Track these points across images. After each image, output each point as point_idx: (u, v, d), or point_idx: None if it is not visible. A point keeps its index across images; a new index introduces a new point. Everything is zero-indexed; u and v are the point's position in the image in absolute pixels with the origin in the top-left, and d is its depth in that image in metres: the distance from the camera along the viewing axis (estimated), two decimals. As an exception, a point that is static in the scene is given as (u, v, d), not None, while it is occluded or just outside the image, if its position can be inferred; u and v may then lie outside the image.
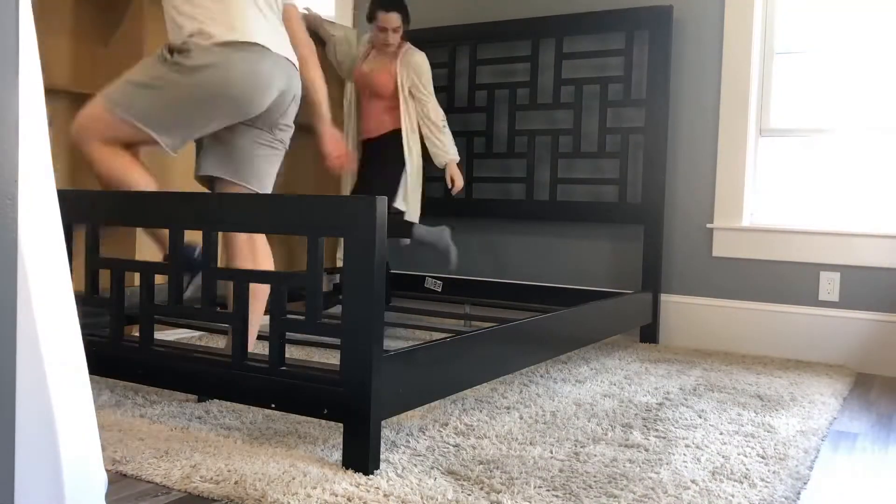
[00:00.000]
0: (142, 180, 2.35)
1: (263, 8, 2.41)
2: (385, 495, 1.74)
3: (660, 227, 3.76)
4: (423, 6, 4.39)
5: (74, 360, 1.31)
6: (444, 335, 2.67)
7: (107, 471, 1.86)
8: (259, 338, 2.60)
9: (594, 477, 1.90)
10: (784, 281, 3.60)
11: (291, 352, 3.02)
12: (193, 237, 2.25)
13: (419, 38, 4.30)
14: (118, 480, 1.81)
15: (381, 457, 1.96)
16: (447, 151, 3.76)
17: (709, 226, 3.73)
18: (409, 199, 3.76)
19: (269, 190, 2.53)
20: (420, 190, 3.83)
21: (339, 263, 3.92)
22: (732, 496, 1.81)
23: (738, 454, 2.11)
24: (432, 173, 4.33)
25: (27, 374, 1.20)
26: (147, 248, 3.04)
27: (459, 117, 4.28)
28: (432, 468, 1.93)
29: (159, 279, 2.30)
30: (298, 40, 2.55)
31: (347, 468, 1.89)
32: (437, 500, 1.72)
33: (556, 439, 2.19)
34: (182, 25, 2.32)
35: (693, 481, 1.89)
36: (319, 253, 1.94)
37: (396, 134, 3.74)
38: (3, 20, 1.01)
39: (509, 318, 2.71)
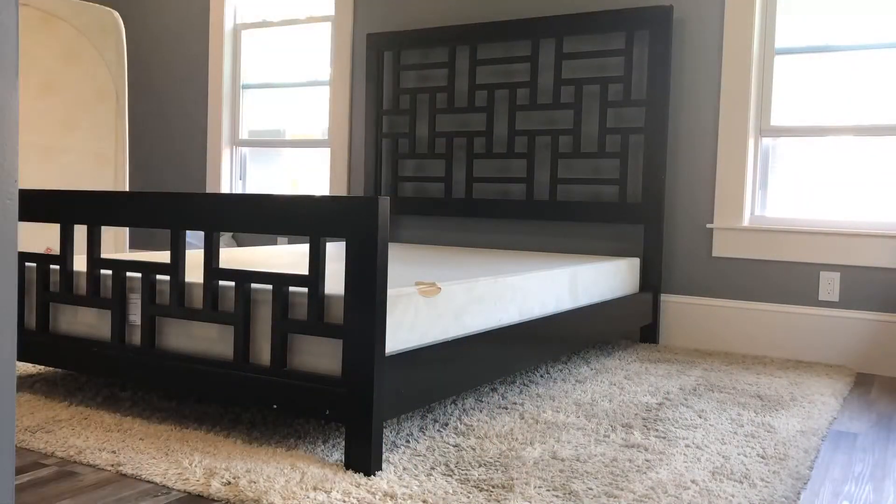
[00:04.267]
0: None
1: None
2: (385, 495, 1.74)
3: (660, 227, 3.76)
4: (424, 6, 4.39)
5: None
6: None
7: (107, 470, 1.86)
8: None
9: (594, 477, 1.90)
10: (784, 281, 3.60)
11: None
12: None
13: (420, 38, 4.30)
14: (118, 480, 1.81)
15: (382, 457, 1.96)
16: None
17: (709, 226, 3.73)
18: None
19: None
20: None
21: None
22: (732, 496, 1.81)
23: (738, 454, 2.11)
24: (433, 173, 4.34)
25: None
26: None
27: (459, 117, 4.28)
28: (433, 468, 1.93)
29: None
30: None
31: (349, 469, 1.89)
32: (437, 500, 1.72)
33: (556, 439, 2.19)
34: None
35: (693, 481, 1.89)
36: (321, 253, 1.94)
37: None
38: (2, 20, 1.01)
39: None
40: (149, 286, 2.24)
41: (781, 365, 3.39)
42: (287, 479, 1.81)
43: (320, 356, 1.98)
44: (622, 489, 1.83)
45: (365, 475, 1.86)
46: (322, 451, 2.03)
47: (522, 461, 2.00)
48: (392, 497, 1.73)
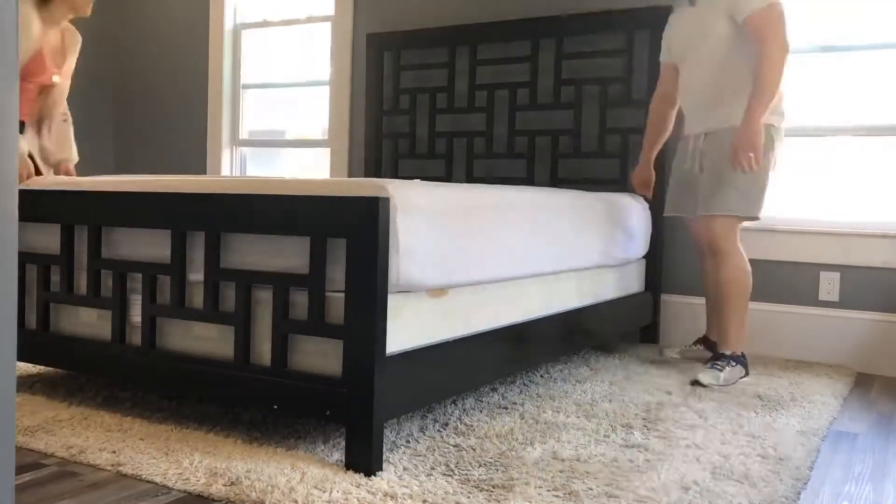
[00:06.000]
0: None
1: None
2: (385, 495, 1.74)
3: (660, 227, 3.75)
4: (424, 6, 4.39)
5: None
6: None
7: (107, 470, 1.86)
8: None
9: (594, 477, 1.90)
10: (784, 281, 3.60)
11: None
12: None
13: (419, 38, 4.30)
14: (118, 480, 1.81)
15: (382, 457, 1.96)
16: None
17: (709, 226, 3.72)
18: None
19: None
20: None
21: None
22: (733, 496, 1.81)
23: (739, 454, 2.11)
24: (433, 173, 4.33)
25: None
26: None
27: (459, 117, 4.28)
28: (433, 469, 1.93)
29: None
30: None
31: (349, 469, 1.89)
32: (437, 500, 1.72)
33: (557, 439, 2.19)
34: None
35: (693, 481, 1.89)
36: (322, 253, 1.94)
37: None
38: (2, 20, 1.01)
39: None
40: (149, 286, 2.24)
41: (781, 365, 3.39)
42: (287, 480, 1.81)
43: (321, 356, 1.98)
44: (622, 489, 1.83)
45: (365, 475, 1.86)
46: (322, 451, 2.03)
47: (522, 461, 2.00)
48: (392, 497, 1.73)
